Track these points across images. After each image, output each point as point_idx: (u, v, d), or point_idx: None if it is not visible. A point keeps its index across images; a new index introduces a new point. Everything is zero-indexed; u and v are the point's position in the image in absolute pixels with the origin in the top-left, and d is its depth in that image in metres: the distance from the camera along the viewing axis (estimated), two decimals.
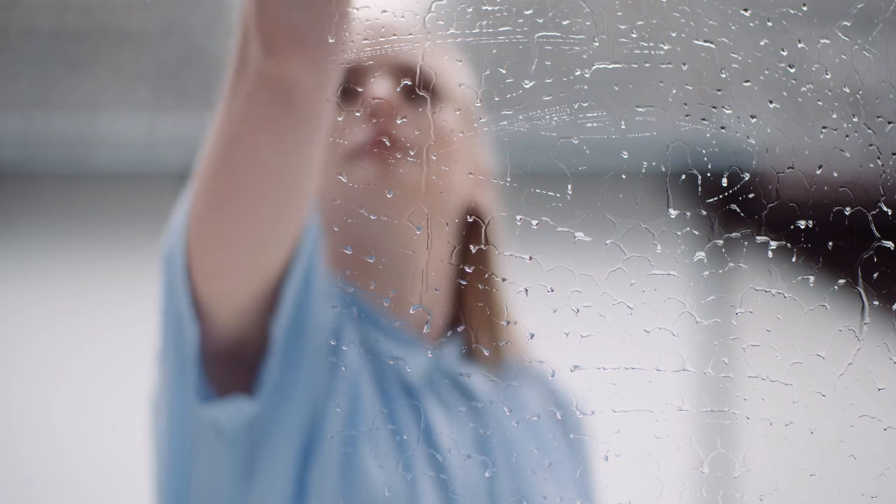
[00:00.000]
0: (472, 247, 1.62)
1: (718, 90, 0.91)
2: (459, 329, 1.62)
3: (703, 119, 0.92)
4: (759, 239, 0.91)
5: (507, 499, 1.55)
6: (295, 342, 1.46)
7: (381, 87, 1.53)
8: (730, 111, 0.91)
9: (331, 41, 1.36)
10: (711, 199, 0.91)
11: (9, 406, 7.44)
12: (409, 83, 1.53)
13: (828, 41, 0.92)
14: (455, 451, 1.54)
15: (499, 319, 1.63)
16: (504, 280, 1.63)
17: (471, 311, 1.63)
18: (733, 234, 0.91)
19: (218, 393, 1.46)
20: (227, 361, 1.47)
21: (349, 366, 1.51)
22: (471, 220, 1.62)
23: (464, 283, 1.62)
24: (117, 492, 7.23)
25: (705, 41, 0.92)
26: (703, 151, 0.92)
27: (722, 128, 0.91)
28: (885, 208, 0.89)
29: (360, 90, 1.53)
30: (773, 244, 0.91)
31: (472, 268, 1.62)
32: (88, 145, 7.32)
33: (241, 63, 1.40)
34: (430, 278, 1.58)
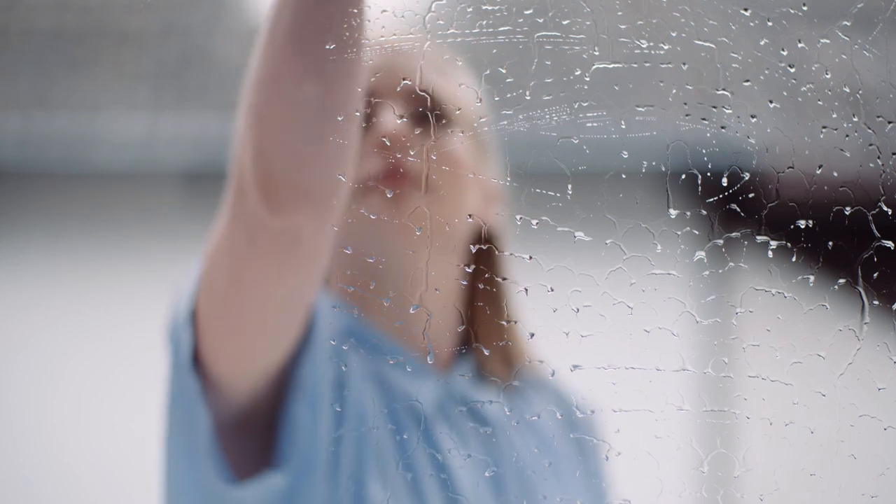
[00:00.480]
0: (485, 273, 1.62)
1: (718, 90, 0.91)
2: (468, 350, 1.62)
3: (703, 119, 0.92)
4: (760, 238, 0.91)
5: None
6: (309, 412, 1.46)
7: (391, 123, 1.52)
8: (730, 111, 0.91)
9: (337, 197, 1.33)
10: (711, 199, 0.91)
11: (9, 406, 7.44)
12: (421, 108, 1.52)
13: (828, 41, 0.92)
14: (465, 479, 1.53)
15: (514, 339, 1.63)
16: (522, 290, 1.63)
17: (484, 334, 1.62)
18: (733, 234, 0.91)
19: (238, 473, 1.45)
20: (244, 439, 1.46)
21: (360, 411, 1.50)
22: (484, 247, 1.61)
23: (473, 296, 1.62)
24: (117, 492, 7.23)
25: (705, 41, 0.92)
26: (704, 151, 0.92)
27: (722, 127, 0.91)
28: (885, 208, 0.89)
29: (362, 113, 1.52)
30: (773, 244, 0.91)
31: (483, 297, 1.62)
32: (88, 145, 7.32)
33: (239, 210, 1.34)
34: (435, 308, 1.58)
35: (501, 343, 1.63)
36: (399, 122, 1.51)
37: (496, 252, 1.62)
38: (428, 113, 1.53)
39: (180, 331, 1.44)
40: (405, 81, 1.51)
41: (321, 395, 1.46)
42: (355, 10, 1.30)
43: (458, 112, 1.57)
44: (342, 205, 1.34)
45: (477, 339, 1.62)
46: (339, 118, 1.28)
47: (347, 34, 1.31)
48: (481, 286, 1.62)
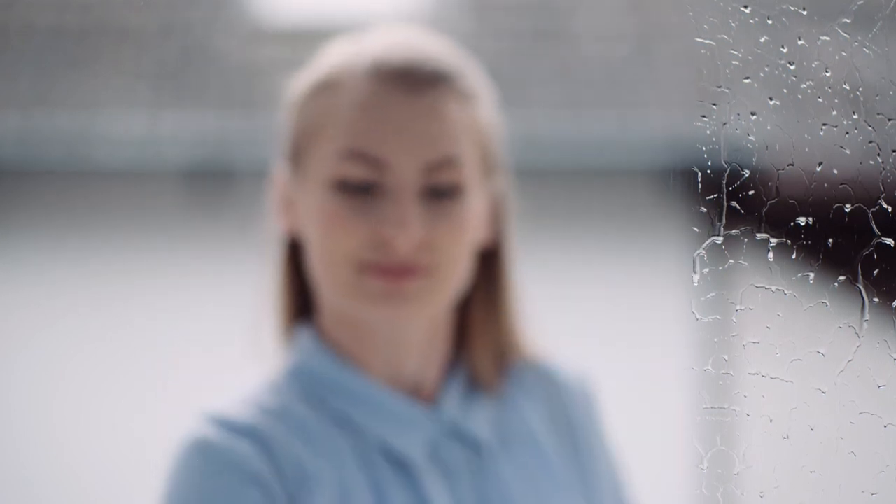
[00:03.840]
0: (487, 278, 1.60)
1: (718, 87, 0.91)
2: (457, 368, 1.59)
3: (703, 116, 0.92)
4: (759, 236, 0.91)
5: None
6: None
7: (402, 215, 1.47)
8: (730, 108, 0.91)
9: None
10: (711, 197, 0.91)
11: (8, 405, 7.44)
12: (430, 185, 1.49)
13: (828, 38, 0.92)
14: None
15: (506, 339, 1.61)
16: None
17: (474, 338, 1.59)
18: (733, 232, 0.91)
19: None
20: None
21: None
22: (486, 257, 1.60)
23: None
24: (117, 492, 7.23)
25: (705, 39, 0.92)
26: (703, 148, 0.92)
27: (724, 124, 0.91)
28: (885, 205, 0.89)
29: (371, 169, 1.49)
30: (773, 241, 0.91)
31: (480, 304, 1.60)
32: (88, 143, 7.32)
33: None
34: (422, 346, 1.56)
35: (495, 349, 1.60)
36: (407, 216, 1.46)
37: (501, 259, 1.60)
38: (439, 189, 1.50)
39: None
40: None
41: None
42: None
43: (467, 171, 1.52)
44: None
45: (470, 351, 1.60)
46: None
47: None
48: (480, 294, 1.60)
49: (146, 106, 7.48)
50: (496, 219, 1.59)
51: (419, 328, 1.54)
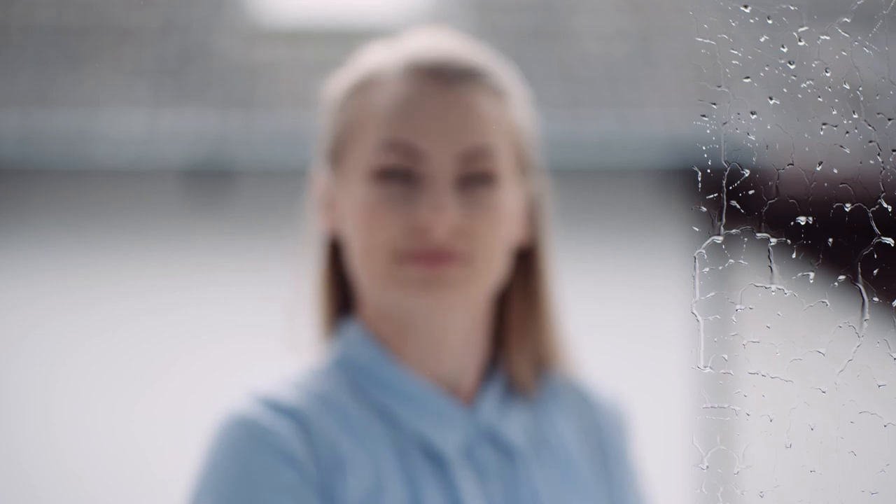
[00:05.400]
0: (523, 281, 1.61)
1: (718, 86, 0.91)
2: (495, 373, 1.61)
3: (703, 115, 0.92)
4: (759, 235, 0.91)
5: None
6: None
7: (439, 201, 1.51)
8: (730, 107, 0.91)
9: None
10: (711, 196, 0.91)
11: (7, 403, 7.44)
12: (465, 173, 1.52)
13: (828, 38, 0.92)
14: None
15: (544, 345, 1.63)
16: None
17: (513, 342, 1.60)
18: (733, 231, 0.91)
19: None
20: None
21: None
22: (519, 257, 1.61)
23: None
24: (117, 491, 7.22)
25: (705, 38, 0.92)
26: (703, 148, 0.92)
27: (724, 123, 0.91)
28: (885, 205, 0.89)
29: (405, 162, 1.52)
30: (773, 241, 0.91)
31: (517, 308, 1.61)
32: (88, 141, 7.32)
33: None
34: (461, 343, 1.58)
35: (532, 354, 1.62)
36: (445, 202, 1.49)
37: (538, 259, 1.62)
38: (473, 178, 1.53)
39: None
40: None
41: None
42: None
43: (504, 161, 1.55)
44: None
45: (508, 355, 1.62)
46: None
47: None
48: (517, 297, 1.62)
49: (146, 105, 7.48)
50: (532, 219, 1.62)
51: (458, 324, 1.56)
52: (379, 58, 1.59)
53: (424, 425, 1.53)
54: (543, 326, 1.62)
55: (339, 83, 1.62)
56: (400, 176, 1.52)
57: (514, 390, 1.60)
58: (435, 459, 1.53)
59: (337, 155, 1.59)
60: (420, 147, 1.52)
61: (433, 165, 1.52)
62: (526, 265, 1.62)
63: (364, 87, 1.58)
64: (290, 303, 1.66)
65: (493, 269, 1.55)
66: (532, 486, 1.56)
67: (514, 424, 1.58)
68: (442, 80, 1.55)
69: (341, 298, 1.62)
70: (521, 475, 1.56)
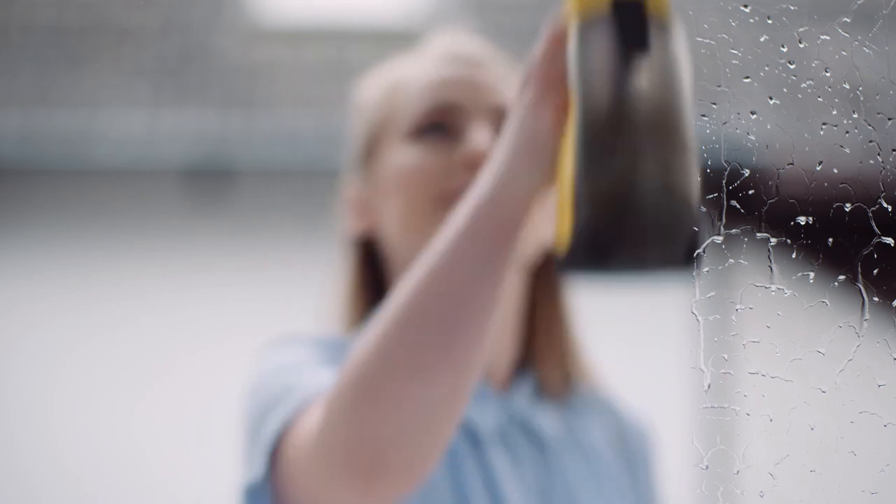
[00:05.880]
0: (543, 283, 1.62)
1: (718, 86, 0.91)
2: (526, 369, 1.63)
3: (703, 115, 0.92)
4: (759, 235, 0.91)
5: None
6: None
7: (482, 137, 1.53)
8: (730, 107, 0.91)
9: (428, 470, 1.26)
10: (711, 196, 0.91)
11: (7, 403, 7.44)
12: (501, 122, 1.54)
13: (828, 37, 0.92)
14: (518, 501, 1.53)
15: (570, 353, 1.64)
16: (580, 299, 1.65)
17: (540, 347, 1.62)
18: (733, 231, 0.91)
19: None
20: None
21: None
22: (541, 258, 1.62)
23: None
24: (117, 491, 7.22)
25: (705, 38, 0.92)
26: (703, 148, 0.92)
27: (724, 123, 0.91)
28: (885, 204, 0.89)
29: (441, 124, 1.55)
30: (773, 240, 0.91)
31: (543, 313, 1.62)
32: (88, 141, 7.32)
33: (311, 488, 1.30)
34: (499, 326, 1.58)
35: (559, 361, 1.63)
36: (488, 139, 1.52)
37: (554, 271, 1.63)
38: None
39: (261, 445, 1.40)
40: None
41: None
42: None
43: None
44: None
45: (536, 358, 1.63)
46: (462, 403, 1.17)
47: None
48: (541, 302, 1.63)
49: (146, 105, 7.48)
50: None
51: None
52: (408, 60, 1.64)
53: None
54: (568, 334, 1.63)
55: (370, 85, 1.65)
56: (438, 132, 1.55)
57: (544, 393, 1.61)
58: (471, 437, 1.53)
59: (371, 149, 1.61)
60: (456, 101, 1.55)
61: (470, 115, 1.55)
62: (546, 276, 1.62)
63: (396, 86, 1.61)
64: (321, 305, 1.67)
65: (535, 227, 1.55)
66: (564, 476, 1.57)
67: (547, 418, 1.59)
68: (470, 62, 1.59)
69: (374, 298, 1.62)
70: (553, 466, 1.57)
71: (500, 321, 1.57)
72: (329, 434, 1.21)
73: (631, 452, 1.67)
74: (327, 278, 1.68)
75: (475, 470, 1.51)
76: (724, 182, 0.90)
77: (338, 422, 1.19)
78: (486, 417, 1.55)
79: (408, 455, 1.18)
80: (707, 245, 0.91)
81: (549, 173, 1.08)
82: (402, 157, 1.56)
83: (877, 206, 0.89)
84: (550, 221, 1.61)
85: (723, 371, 0.92)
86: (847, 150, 0.91)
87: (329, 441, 1.21)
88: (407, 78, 1.60)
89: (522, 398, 1.59)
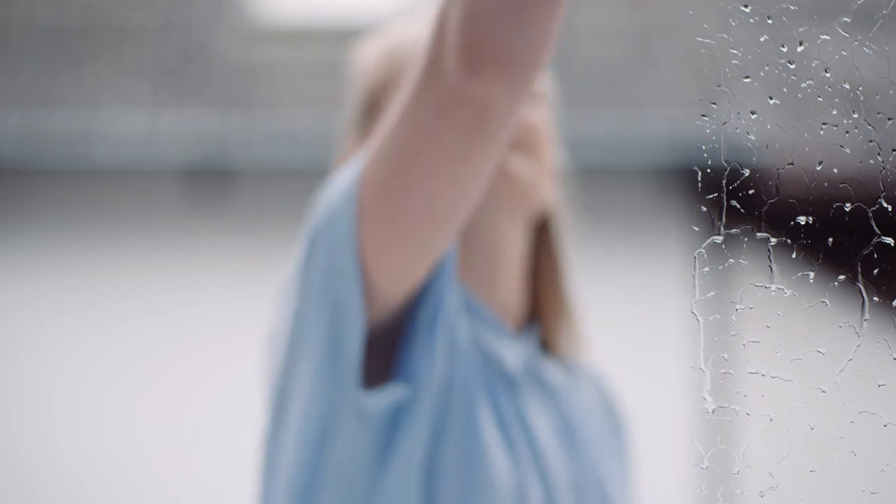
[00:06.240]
0: (544, 243, 1.66)
1: (718, 86, 0.91)
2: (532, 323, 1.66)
3: (703, 115, 0.92)
4: (759, 235, 0.91)
5: (588, 487, 1.58)
6: (434, 330, 1.45)
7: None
8: (730, 107, 0.91)
9: (540, 67, 1.29)
10: (711, 196, 0.91)
11: (7, 403, 7.44)
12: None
13: (828, 37, 0.92)
14: (548, 441, 1.55)
15: (568, 314, 1.67)
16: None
17: (544, 305, 1.64)
18: (733, 231, 0.91)
19: (366, 380, 1.44)
20: (370, 348, 1.44)
21: (464, 356, 1.51)
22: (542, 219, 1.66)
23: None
24: (117, 491, 7.22)
25: (705, 38, 0.92)
26: (703, 148, 0.92)
27: (724, 123, 0.91)
28: (885, 204, 0.89)
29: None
30: (773, 240, 0.91)
31: (546, 272, 1.65)
32: (88, 141, 7.32)
33: (433, 69, 1.29)
34: (512, 271, 1.61)
35: (562, 319, 1.67)
36: None
37: (554, 231, 1.67)
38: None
39: (340, 233, 1.39)
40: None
41: (443, 318, 1.46)
42: None
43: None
44: (538, 79, 1.30)
45: (541, 315, 1.66)
46: None
47: None
48: (544, 263, 1.67)
49: (146, 104, 7.48)
50: (556, 185, 1.66)
51: (510, 244, 1.60)
52: (405, 25, 1.65)
53: (488, 336, 1.55)
54: (568, 294, 1.67)
55: (368, 49, 1.66)
56: None
57: (547, 348, 1.65)
58: (501, 374, 1.55)
59: (372, 108, 1.62)
60: None
61: None
62: (547, 237, 1.66)
63: (395, 48, 1.62)
64: None
65: (536, 187, 1.58)
66: (576, 412, 1.61)
67: (552, 368, 1.63)
68: None
69: None
70: (564, 404, 1.61)
71: (514, 269, 1.60)
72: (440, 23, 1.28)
73: (616, 426, 1.71)
74: None
75: (509, 404, 1.53)
76: (724, 182, 0.90)
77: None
78: (513, 356, 1.57)
79: (507, 37, 1.24)
80: (707, 245, 0.91)
81: None
82: None
83: (877, 206, 0.89)
84: (553, 184, 1.64)
85: (723, 371, 0.92)
86: (847, 150, 0.91)
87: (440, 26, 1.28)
88: (407, 39, 1.62)
89: (532, 348, 1.62)
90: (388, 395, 1.43)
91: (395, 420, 1.44)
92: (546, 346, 1.65)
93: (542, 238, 1.66)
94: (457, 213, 1.39)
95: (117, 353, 7.35)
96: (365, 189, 1.39)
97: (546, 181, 1.64)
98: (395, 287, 1.42)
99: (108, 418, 7.28)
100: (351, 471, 1.44)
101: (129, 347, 7.35)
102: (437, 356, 1.46)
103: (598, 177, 7.33)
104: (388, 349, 1.47)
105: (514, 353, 1.57)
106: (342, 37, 8.04)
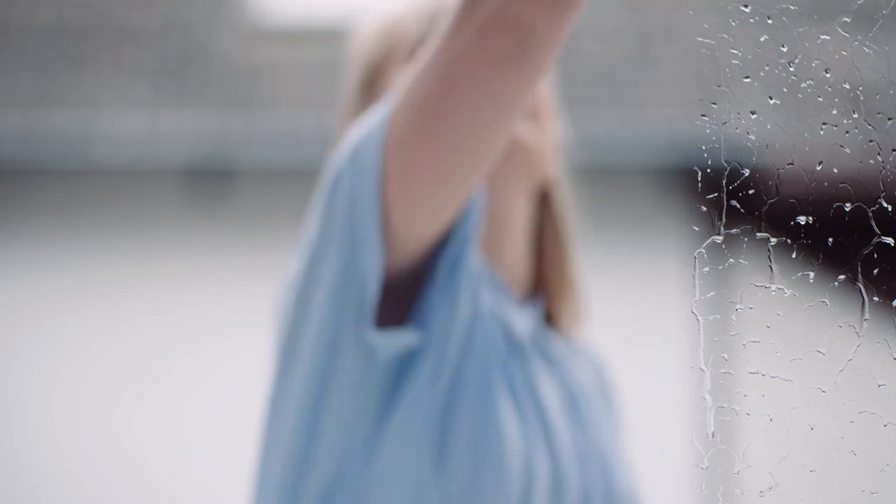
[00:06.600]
0: (547, 216, 1.67)
1: (718, 86, 0.91)
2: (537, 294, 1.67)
3: (703, 115, 0.92)
4: (759, 235, 0.91)
5: (591, 458, 1.58)
6: (454, 278, 1.44)
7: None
8: (730, 107, 0.91)
9: None
10: (711, 196, 0.91)
11: (7, 403, 7.44)
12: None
13: (828, 37, 0.92)
14: (555, 410, 1.55)
15: (571, 287, 1.68)
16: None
17: (547, 277, 1.66)
18: (733, 231, 0.91)
19: (379, 319, 1.43)
20: (387, 292, 1.43)
21: (485, 319, 1.50)
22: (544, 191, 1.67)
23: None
24: (117, 491, 7.22)
25: (705, 38, 0.92)
26: (703, 147, 0.92)
27: (724, 123, 0.91)
28: (885, 204, 0.89)
29: None
30: (773, 240, 0.91)
31: (550, 246, 1.67)
32: (88, 141, 7.32)
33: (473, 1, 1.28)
34: (518, 239, 1.62)
35: (565, 292, 1.68)
36: None
37: (557, 202, 1.68)
38: None
39: (363, 171, 1.38)
40: None
41: (464, 266, 1.45)
42: None
43: None
44: (579, 9, 1.29)
45: (545, 286, 1.65)
46: None
47: None
48: (555, 254, 1.68)
49: (146, 105, 7.48)
50: (556, 157, 1.67)
51: (515, 210, 1.60)
52: (402, 3, 1.65)
53: (498, 303, 1.56)
54: (572, 266, 1.67)
55: (366, 26, 1.67)
56: None
57: (550, 321, 1.66)
58: (511, 342, 1.55)
59: (373, 79, 1.63)
60: None
61: None
62: (550, 208, 1.67)
63: (394, 23, 1.63)
64: None
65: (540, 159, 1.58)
66: (579, 391, 1.62)
67: (555, 341, 1.64)
68: None
69: None
70: (569, 381, 1.61)
71: (520, 238, 1.61)
72: None
73: (610, 405, 1.72)
74: None
75: (519, 371, 1.54)
76: (724, 182, 0.90)
77: None
78: (521, 324, 1.58)
79: None
80: (707, 245, 0.91)
81: None
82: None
83: (877, 206, 0.89)
84: (555, 155, 1.65)
85: (723, 371, 0.92)
86: (847, 150, 0.91)
87: None
88: (404, 12, 1.63)
89: (537, 318, 1.62)
90: (399, 338, 1.43)
91: (405, 366, 1.44)
92: (548, 318, 1.66)
93: (545, 210, 1.67)
94: (487, 150, 1.37)
95: (117, 353, 7.35)
96: (394, 120, 1.38)
97: (550, 151, 1.65)
98: (417, 228, 1.41)
99: (108, 418, 7.28)
100: (355, 414, 1.43)
101: (129, 347, 7.35)
102: (458, 304, 1.45)
103: (598, 177, 7.33)
104: (407, 297, 1.46)
105: (522, 320, 1.58)
106: (342, 37, 8.03)
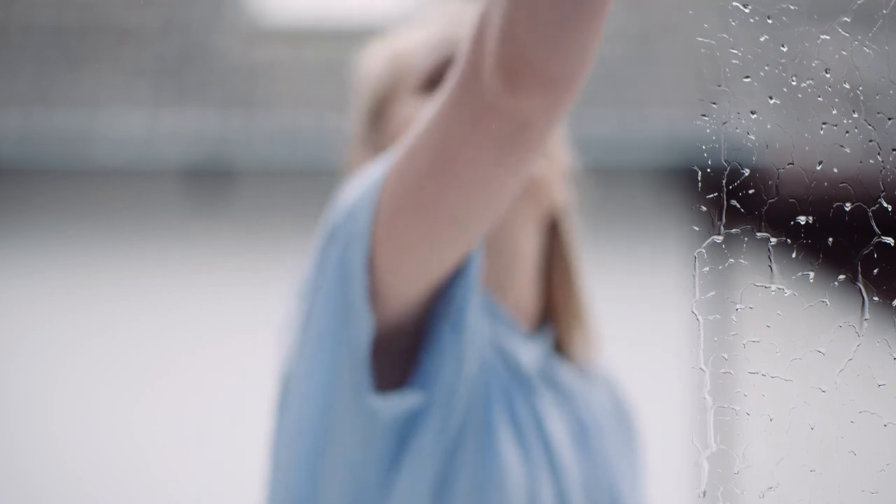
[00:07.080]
0: (556, 245, 1.66)
1: (718, 86, 0.91)
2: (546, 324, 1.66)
3: (703, 115, 0.92)
4: (759, 235, 0.91)
5: (599, 487, 1.57)
6: (457, 334, 1.44)
7: None
8: (730, 107, 0.91)
9: (578, 85, 1.28)
10: (711, 195, 0.91)
11: (7, 403, 7.44)
12: None
13: (828, 37, 0.92)
14: (561, 442, 1.55)
15: (581, 317, 1.66)
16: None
17: (557, 306, 1.64)
18: (733, 230, 0.91)
19: (379, 384, 1.43)
20: (384, 354, 1.43)
21: (485, 359, 1.50)
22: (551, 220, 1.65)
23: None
24: (117, 491, 7.22)
25: (705, 38, 0.92)
26: (703, 147, 0.92)
27: (724, 123, 0.91)
28: (885, 204, 0.89)
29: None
30: (773, 240, 0.91)
31: (559, 274, 1.65)
32: (88, 141, 7.32)
33: (471, 77, 1.27)
34: (526, 271, 1.61)
35: (575, 320, 1.67)
36: None
37: (565, 231, 1.67)
38: None
39: (354, 239, 1.39)
40: None
41: (466, 323, 1.45)
42: None
43: None
44: (577, 94, 1.29)
45: (554, 316, 1.65)
46: None
47: None
48: (557, 264, 1.66)
49: (146, 105, 7.48)
50: (565, 185, 1.67)
51: (523, 244, 1.59)
52: (409, 30, 1.66)
53: (504, 336, 1.55)
54: (581, 296, 1.66)
55: (373, 54, 1.66)
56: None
57: (560, 350, 1.65)
58: (517, 375, 1.55)
59: (380, 110, 1.62)
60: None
61: None
62: (558, 238, 1.66)
63: (401, 52, 1.62)
64: None
65: (549, 188, 1.58)
66: (591, 420, 1.61)
67: (566, 371, 1.63)
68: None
69: None
70: (579, 408, 1.60)
71: (528, 272, 1.60)
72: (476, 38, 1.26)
73: (627, 430, 1.70)
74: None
75: (525, 405, 1.53)
76: (724, 182, 0.90)
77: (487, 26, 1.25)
78: (528, 357, 1.57)
79: (547, 55, 1.23)
80: (707, 245, 0.91)
81: None
82: (416, 108, 1.56)
83: (877, 206, 0.89)
84: (563, 184, 1.64)
85: (723, 371, 0.92)
86: (847, 150, 0.91)
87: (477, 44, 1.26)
88: (412, 43, 1.62)
89: (546, 349, 1.61)
90: (401, 401, 1.43)
91: (410, 426, 1.44)
92: (559, 347, 1.64)
93: (553, 239, 1.65)
94: (480, 223, 1.38)
95: (117, 353, 7.35)
96: (387, 190, 1.38)
97: (558, 180, 1.63)
98: (409, 287, 1.41)
99: (108, 418, 7.28)
100: (361, 473, 1.43)
101: (129, 347, 7.35)
102: (463, 363, 1.45)
103: (598, 177, 7.31)
104: (410, 354, 1.46)
105: (529, 353, 1.56)
106: (342, 37, 8.04)
